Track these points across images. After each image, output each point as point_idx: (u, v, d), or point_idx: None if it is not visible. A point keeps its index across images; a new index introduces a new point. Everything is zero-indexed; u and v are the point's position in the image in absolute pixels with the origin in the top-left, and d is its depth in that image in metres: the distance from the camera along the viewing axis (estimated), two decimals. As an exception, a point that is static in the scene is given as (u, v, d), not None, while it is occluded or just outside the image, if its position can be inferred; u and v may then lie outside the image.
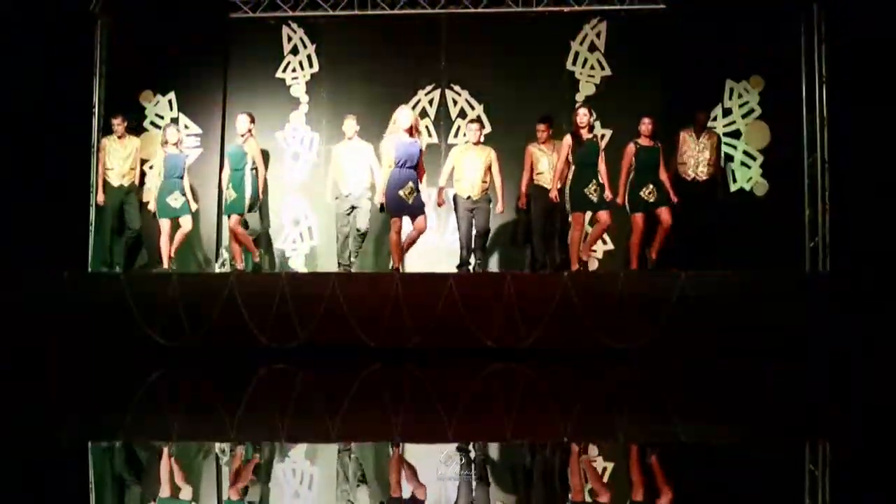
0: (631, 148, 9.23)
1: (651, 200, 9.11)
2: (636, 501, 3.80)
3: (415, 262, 9.91)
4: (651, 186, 9.12)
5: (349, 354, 8.65)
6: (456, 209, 9.64)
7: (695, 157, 9.56)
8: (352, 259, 9.71)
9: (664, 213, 9.10)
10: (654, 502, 3.82)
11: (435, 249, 10.24)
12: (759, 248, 9.68)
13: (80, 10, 10.40)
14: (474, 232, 9.56)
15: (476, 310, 8.66)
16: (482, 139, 9.69)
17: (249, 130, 9.63)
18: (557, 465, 4.47)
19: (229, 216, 9.63)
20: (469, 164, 9.51)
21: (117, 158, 9.96)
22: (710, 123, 10.00)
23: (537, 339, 8.57)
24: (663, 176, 9.18)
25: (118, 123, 10.00)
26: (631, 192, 9.17)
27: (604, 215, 8.90)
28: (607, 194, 8.95)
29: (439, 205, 9.73)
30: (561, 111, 9.92)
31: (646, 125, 9.22)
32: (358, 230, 9.66)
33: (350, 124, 9.76)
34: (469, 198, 9.49)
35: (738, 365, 8.18)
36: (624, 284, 8.72)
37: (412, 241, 8.97)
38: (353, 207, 9.65)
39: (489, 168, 9.50)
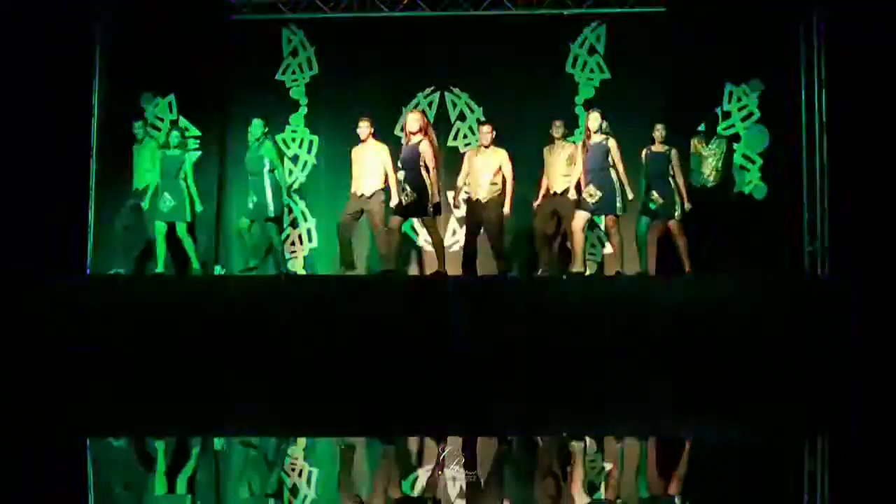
0: (643, 154, 9.30)
1: (656, 207, 9.15)
2: (642, 500, 3.80)
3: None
4: (656, 194, 9.16)
5: (349, 356, 8.64)
6: (467, 212, 9.61)
7: (706, 163, 9.52)
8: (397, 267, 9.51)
9: (673, 226, 9.15)
10: (658, 501, 3.81)
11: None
12: (759, 251, 9.68)
13: (79, 11, 10.40)
14: (488, 235, 9.49)
15: (476, 311, 8.64)
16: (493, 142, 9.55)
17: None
18: (558, 463, 4.47)
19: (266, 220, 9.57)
20: (480, 167, 9.44)
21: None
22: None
23: (537, 341, 8.56)
24: (678, 181, 9.24)
25: (140, 127, 10.03)
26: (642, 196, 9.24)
27: (608, 220, 8.93)
28: (628, 194, 8.96)
29: (456, 207, 9.84)
30: (560, 114, 9.90)
31: (658, 131, 9.26)
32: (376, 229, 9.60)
33: (363, 126, 9.61)
34: (478, 200, 9.43)
35: (738, 367, 8.19)
36: (623, 287, 8.75)
37: (439, 250, 8.99)
38: (362, 210, 9.54)
39: (500, 170, 9.44)
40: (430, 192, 9.01)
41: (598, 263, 10.18)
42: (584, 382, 7.75)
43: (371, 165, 9.45)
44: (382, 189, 9.42)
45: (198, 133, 10.64)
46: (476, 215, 9.44)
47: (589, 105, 10.05)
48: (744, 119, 10.16)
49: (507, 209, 9.40)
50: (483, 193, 9.40)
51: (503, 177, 9.39)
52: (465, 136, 10.53)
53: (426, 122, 9.22)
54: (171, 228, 9.69)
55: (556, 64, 10.51)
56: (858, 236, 9.56)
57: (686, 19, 10.16)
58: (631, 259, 9.25)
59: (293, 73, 10.79)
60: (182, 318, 8.82)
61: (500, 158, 9.44)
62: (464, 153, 10.33)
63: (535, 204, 9.52)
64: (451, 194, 10.15)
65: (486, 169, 9.41)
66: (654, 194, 9.18)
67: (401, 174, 9.00)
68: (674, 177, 9.24)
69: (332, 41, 10.74)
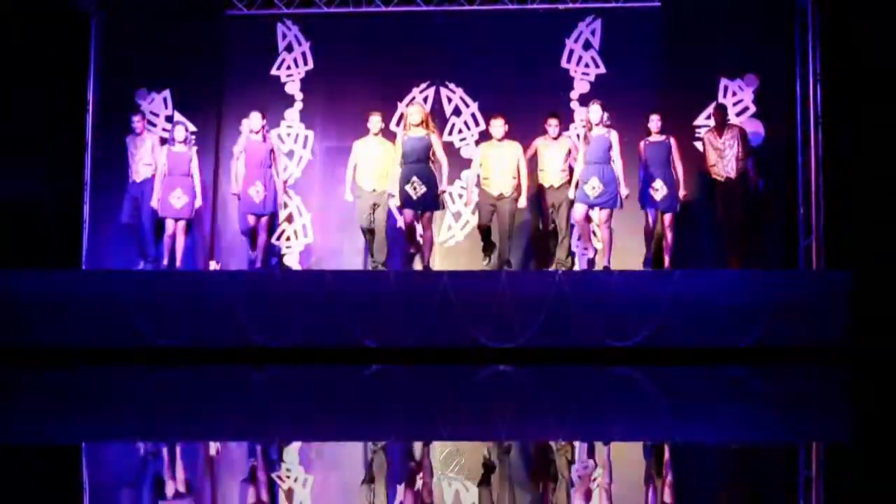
0: (640, 145, 9.35)
1: (659, 198, 9.19)
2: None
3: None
4: (661, 182, 9.21)
5: (345, 354, 8.68)
6: (480, 206, 9.59)
7: (722, 155, 9.52)
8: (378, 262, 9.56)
9: (667, 219, 9.21)
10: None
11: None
12: (754, 245, 9.70)
13: (74, 6, 10.39)
14: (500, 228, 9.48)
15: (471, 308, 8.67)
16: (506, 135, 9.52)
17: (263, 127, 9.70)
18: (555, 467, 4.47)
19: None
20: (498, 161, 9.40)
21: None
22: (703, 121, 10.08)
23: (532, 338, 8.58)
24: (675, 171, 9.32)
25: (139, 121, 10.08)
26: (642, 188, 9.29)
27: (603, 213, 8.98)
28: (623, 191, 8.97)
29: (466, 204, 9.90)
30: (555, 109, 9.90)
31: (653, 121, 9.30)
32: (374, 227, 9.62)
33: (375, 121, 9.62)
34: (501, 195, 9.40)
35: (733, 364, 8.22)
36: (618, 283, 8.78)
37: (428, 245, 9.07)
38: (375, 205, 9.55)
39: (517, 164, 9.42)
40: (438, 185, 9.04)
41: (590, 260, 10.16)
42: (580, 379, 7.76)
43: (383, 163, 9.49)
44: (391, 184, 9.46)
45: (193, 129, 10.62)
46: (493, 208, 9.42)
47: (584, 99, 10.06)
48: (739, 113, 10.16)
49: (523, 202, 9.42)
50: (503, 187, 9.40)
51: (518, 170, 9.40)
52: (460, 131, 10.52)
53: (427, 114, 9.22)
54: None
55: (551, 58, 10.50)
56: (853, 230, 9.58)
57: (681, 14, 10.17)
58: (618, 253, 9.27)
59: (288, 68, 10.78)
60: (178, 314, 8.85)
61: (515, 152, 9.42)
62: (459, 147, 10.37)
63: (522, 200, 9.46)
64: (449, 188, 10.19)
65: (503, 163, 9.40)
66: (658, 182, 9.22)
67: (403, 167, 9.01)
68: (674, 165, 9.32)
69: (327, 36, 10.73)
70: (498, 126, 9.47)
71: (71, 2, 10.36)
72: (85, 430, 5.31)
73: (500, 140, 9.46)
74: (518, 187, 9.39)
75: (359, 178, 9.58)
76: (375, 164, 9.54)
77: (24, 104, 10.06)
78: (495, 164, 9.41)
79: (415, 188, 8.89)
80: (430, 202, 9.02)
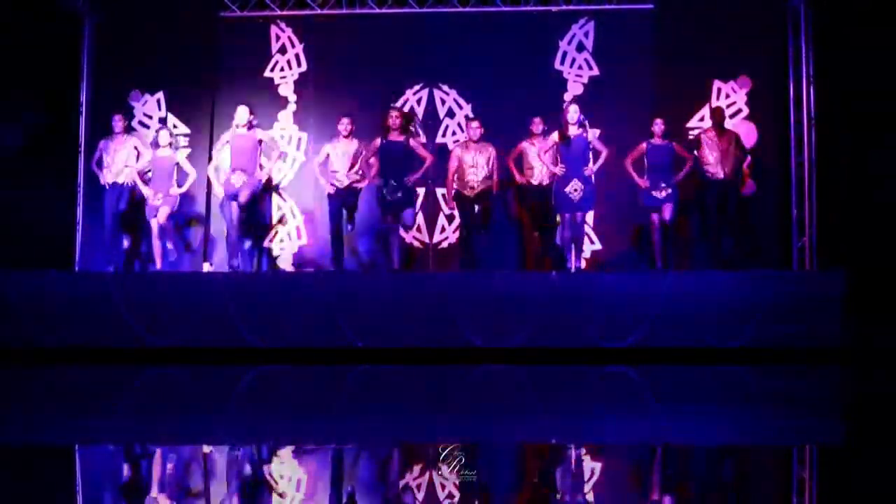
0: (642, 147, 9.34)
1: (662, 196, 9.19)
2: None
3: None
4: (663, 185, 9.20)
5: (338, 354, 8.66)
6: (459, 207, 9.61)
7: (716, 156, 9.52)
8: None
9: (665, 211, 9.20)
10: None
11: (423, 249, 10.29)
12: (747, 247, 9.72)
13: (67, 8, 10.39)
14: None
15: (466, 308, 8.67)
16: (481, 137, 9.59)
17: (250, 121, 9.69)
18: (549, 468, 4.47)
19: None
20: (471, 163, 9.46)
21: None
22: (697, 123, 10.11)
23: (526, 339, 8.58)
24: (677, 176, 9.34)
25: (119, 120, 10.04)
26: (646, 190, 9.28)
27: (577, 216, 9.04)
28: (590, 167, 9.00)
29: (446, 203, 9.91)
30: (549, 111, 9.91)
31: (657, 125, 9.33)
32: (350, 227, 9.68)
33: (345, 122, 9.66)
34: (476, 196, 9.45)
35: (726, 364, 8.22)
36: (612, 283, 8.78)
37: (396, 247, 9.10)
38: (343, 203, 9.61)
39: (490, 165, 9.48)
40: (414, 188, 9.10)
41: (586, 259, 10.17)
42: (574, 380, 7.76)
43: (351, 160, 9.58)
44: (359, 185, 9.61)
45: (186, 130, 10.62)
46: (470, 209, 9.44)
47: (577, 101, 10.06)
48: (732, 115, 10.17)
49: (494, 188, 9.49)
50: (477, 188, 9.42)
51: (492, 171, 9.43)
52: (453, 133, 10.52)
53: (406, 119, 9.27)
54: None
55: (544, 60, 10.51)
56: (847, 231, 9.60)
57: (673, 15, 10.19)
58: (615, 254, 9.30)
59: (282, 69, 10.77)
60: (171, 315, 8.84)
61: (490, 153, 9.47)
62: (452, 150, 10.37)
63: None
64: (439, 191, 10.20)
65: (479, 164, 9.44)
66: (662, 184, 9.22)
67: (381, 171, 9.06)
68: (675, 169, 9.33)
69: (320, 38, 10.73)
70: (474, 128, 9.56)
71: (64, 4, 10.35)
72: (80, 430, 5.29)
73: (476, 142, 9.50)
74: (494, 186, 9.46)
75: (332, 177, 9.65)
76: (346, 161, 9.58)
77: (17, 106, 10.04)
78: (470, 166, 9.46)
79: (389, 193, 8.96)
80: (404, 204, 9.14)
